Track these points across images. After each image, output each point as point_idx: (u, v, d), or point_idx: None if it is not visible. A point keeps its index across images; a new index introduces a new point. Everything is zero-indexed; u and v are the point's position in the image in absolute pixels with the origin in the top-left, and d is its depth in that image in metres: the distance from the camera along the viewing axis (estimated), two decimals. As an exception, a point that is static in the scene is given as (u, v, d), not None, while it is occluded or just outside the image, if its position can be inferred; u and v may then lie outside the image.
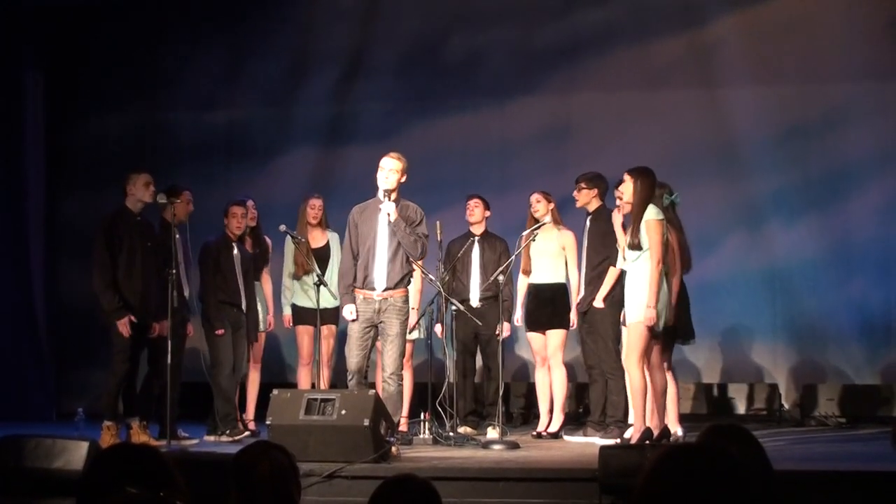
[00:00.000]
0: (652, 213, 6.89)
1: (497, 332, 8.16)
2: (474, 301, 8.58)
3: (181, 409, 8.11)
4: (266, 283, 8.78)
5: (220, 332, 8.08)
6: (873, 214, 9.77)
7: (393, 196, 7.11)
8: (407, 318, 7.21)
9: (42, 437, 6.23)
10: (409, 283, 7.26)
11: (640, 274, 6.93)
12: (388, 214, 7.04)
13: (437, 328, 8.46)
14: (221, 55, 11.07)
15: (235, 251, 8.31)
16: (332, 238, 8.69)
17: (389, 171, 7.06)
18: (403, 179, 7.14)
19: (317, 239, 8.67)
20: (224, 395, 8.06)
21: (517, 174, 10.14)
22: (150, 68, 11.08)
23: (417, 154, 10.47)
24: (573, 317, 8.29)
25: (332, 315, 8.49)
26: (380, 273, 7.06)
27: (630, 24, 10.31)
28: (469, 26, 10.68)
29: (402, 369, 7.13)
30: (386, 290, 7.06)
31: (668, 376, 7.47)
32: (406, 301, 7.18)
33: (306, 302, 8.53)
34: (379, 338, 7.15)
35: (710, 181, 9.78)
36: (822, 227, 9.83)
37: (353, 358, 7.09)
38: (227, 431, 7.99)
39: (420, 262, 8.24)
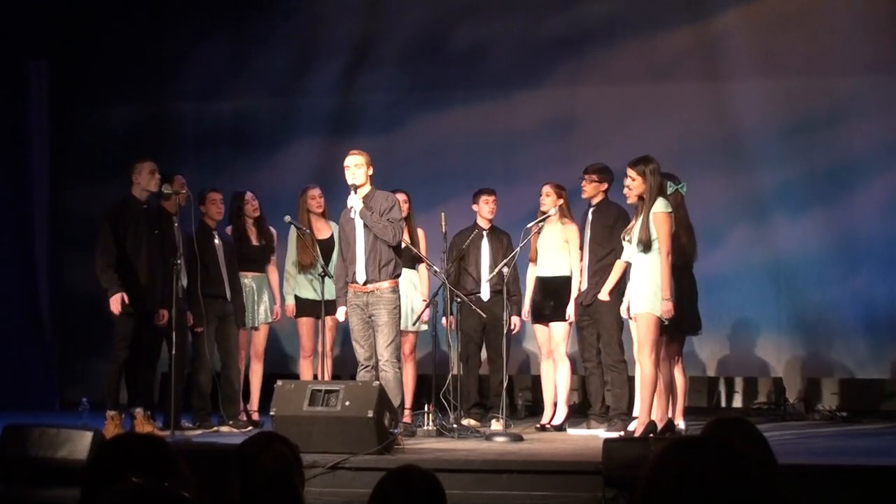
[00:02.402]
0: (661, 206, 6.90)
1: (512, 326, 8.40)
2: (485, 294, 8.59)
3: (184, 399, 8.12)
4: (272, 275, 8.75)
5: (199, 329, 8.09)
6: (878, 208, 9.73)
7: (366, 189, 7.36)
8: (396, 308, 7.30)
9: (46, 427, 6.26)
10: (397, 273, 7.34)
11: (646, 266, 6.92)
12: (351, 208, 7.33)
13: (444, 320, 8.47)
14: (226, 46, 11.04)
15: (217, 240, 8.30)
16: (335, 229, 8.67)
17: (355, 166, 7.37)
18: (371, 171, 7.42)
19: (322, 230, 8.65)
20: (200, 390, 8.16)
21: (522, 166, 10.11)
22: (154, 59, 11.06)
23: (422, 145, 10.51)
24: (570, 310, 8.29)
25: (335, 307, 8.49)
26: (360, 266, 7.29)
27: (635, 16, 10.27)
28: (474, 17, 10.64)
29: (396, 356, 7.22)
30: (369, 282, 7.25)
31: (678, 369, 7.48)
32: (394, 291, 7.31)
33: (309, 293, 8.52)
34: None
35: (714, 174, 9.74)
36: (827, 220, 9.79)
37: (359, 349, 7.30)
38: (198, 423, 8.08)
39: (424, 254, 8.28)
